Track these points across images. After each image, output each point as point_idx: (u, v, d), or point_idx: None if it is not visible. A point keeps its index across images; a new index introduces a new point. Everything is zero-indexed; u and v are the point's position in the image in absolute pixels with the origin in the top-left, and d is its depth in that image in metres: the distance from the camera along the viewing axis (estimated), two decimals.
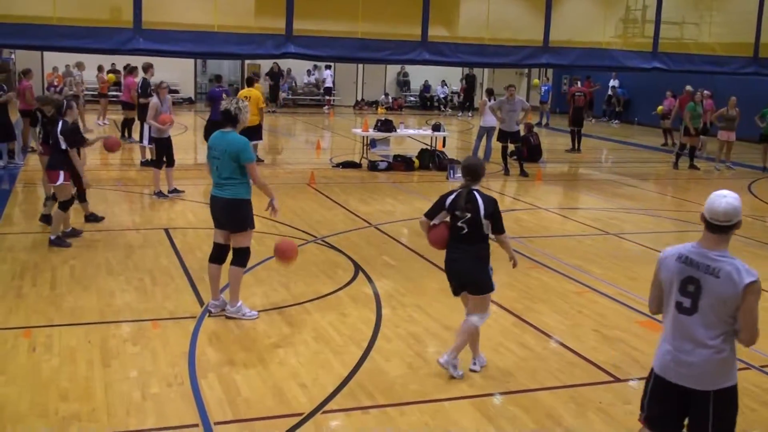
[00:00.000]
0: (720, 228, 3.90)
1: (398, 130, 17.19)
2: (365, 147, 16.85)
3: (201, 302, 7.27)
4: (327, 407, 5.26)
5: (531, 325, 7.12)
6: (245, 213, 6.79)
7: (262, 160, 16.31)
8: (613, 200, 13.91)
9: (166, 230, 10.04)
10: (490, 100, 17.34)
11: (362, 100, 32.12)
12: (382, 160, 16.22)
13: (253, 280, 7.86)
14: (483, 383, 5.77)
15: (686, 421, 4.01)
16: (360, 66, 31.60)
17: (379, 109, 30.37)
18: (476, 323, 5.89)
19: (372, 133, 16.78)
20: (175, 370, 5.74)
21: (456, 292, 6.02)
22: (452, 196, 5.79)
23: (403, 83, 33.57)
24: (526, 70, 33.05)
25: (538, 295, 8.01)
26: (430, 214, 5.89)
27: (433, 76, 32.23)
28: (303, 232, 10.19)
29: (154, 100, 12.25)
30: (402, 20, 14.95)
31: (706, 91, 19.33)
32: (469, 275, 5.83)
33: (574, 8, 16.49)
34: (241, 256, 6.87)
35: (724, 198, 3.95)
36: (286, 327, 6.77)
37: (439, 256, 9.27)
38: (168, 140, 12.19)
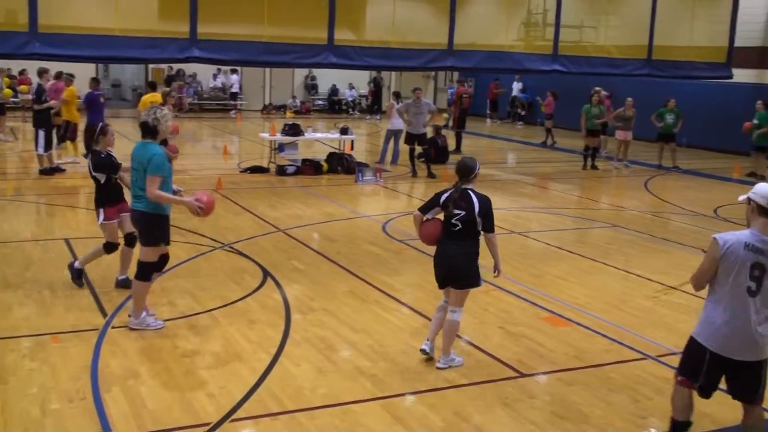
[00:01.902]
0: None
1: (306, 134, 17.12)
2: (273, 151, 16.73)
3: (104, 314, 7.08)
4: (235, 416, 5.21)
5: None
6: (154, 227, 6.60)
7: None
8: (518, 200, 14.24)
9: (67, 240, 9.73)
10: (397, 103, 17.49)
11: (270, 104, 31.85)
12: (290, 165, 16.15)
13: (158, 289, 7.69)
14: (392, 384, 5.82)
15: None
16: (267, 70, 31.32)
17: (287, 113, 30.21)
18: (457, 319, 6.14)
19: (280, 137, 16.69)
20: (77, 385, 5.57)
21: (442, 285, 6.20)
22: (447, 194, 6.01)
23: (311, 87, 33.47)
24: (433, 73, 33.45)
25: None
26: (425, 210, 6.10)
27: (341, 79, 32.25)
28: (210, 238, 10.05)
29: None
30: (308, 23, 14.89)
31: (604, 92, 20.05)
32: (462, 270, 6.03)
33: (477, 12, 16.76)
34: (141, 269, 6.67)
35: None
36: (193, 336, 6.66)
37: (348, 260, 9.32)
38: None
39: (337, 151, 17.04)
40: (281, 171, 15.78)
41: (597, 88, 19.36)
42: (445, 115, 25.42)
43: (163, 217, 6.62)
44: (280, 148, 17.31)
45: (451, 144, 20.06)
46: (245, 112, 30.74)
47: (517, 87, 30.04)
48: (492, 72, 25.23)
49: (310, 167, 16.02)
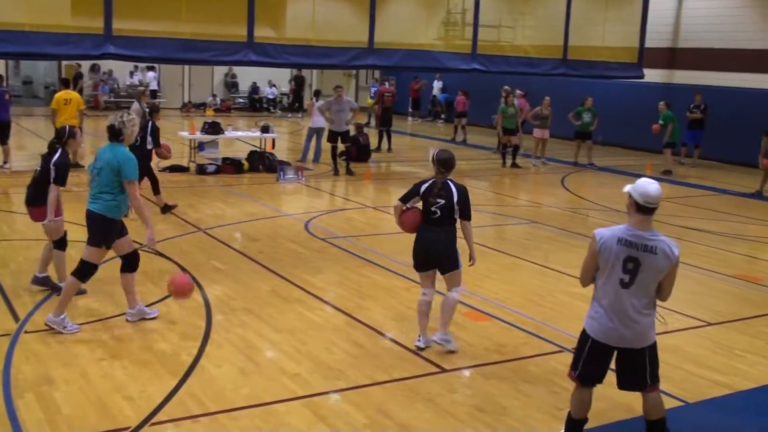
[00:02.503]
0: (651, 210, 4.61)
1: (226, 133, 16.93)
2: (193, 150, 16.48)
3: (16, 318, 6.86)
4: (155, 419, 5.12)
5: (362, 322, 7.24)
6: (102, 229, 6.58)
7: (83, 166, 15.55)
8: None
9: None
10: (318, 101, 17.47)
11: (189, 102, 31.31)
12: (210, 164, 15.93)
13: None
14: (314, 383, 5.82)
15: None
16: (186, 67, 30.79)
17: (207, 111, 29.75)
18: (457, 298, 6.56)
19: (199, 135, 16.45)
20: None
21: (422, 269, 6.55)
22: (427, 184, 6.39)
23: (232, 85, 33.06)
24: (354, 72, 33.48)
25: (369, 293, 8.16)
26: (405, 199, 6.47)
27: (262, 77, 31.97)
28: None
29: None
30: (227, 20, 14.69)
31: (519, 91, 20.45)
32: (445, 254, 6.41)
33: (397, 10, 16.83)
34: (82, 268, 6.64)
35: (653, 184, 4.62)
36: (110, 339, 6.52)
37: (270, 259, 9.26)
38: None
39: (258, 149, 16.90)
40: (201, 170, 15.56)
41: (506, 88, 19.82)
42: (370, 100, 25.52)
43: (116, 221, 6.66)
44: (200, 146, 17.06)
45: (374, 142, 20.14)
46: (164, 111, 29.88)
47: (437, 86, 30.32)
48: (412, 70, 25.41)
49: (230, 166, 15.84)
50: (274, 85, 32.74)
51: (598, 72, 19.19)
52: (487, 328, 7.27)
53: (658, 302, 4.78)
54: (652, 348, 4.78)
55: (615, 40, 19.08)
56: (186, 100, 31.59)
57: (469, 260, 6.57)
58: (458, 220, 6.42)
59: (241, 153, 17.10)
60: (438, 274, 6.59)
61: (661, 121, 18.37)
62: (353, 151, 17.38)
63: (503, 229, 12.11)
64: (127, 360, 6.07)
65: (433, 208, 6.32)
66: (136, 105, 12.06)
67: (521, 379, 6.11)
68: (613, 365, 4.88)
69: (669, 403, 5.17)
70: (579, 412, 4.93)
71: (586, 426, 5.01)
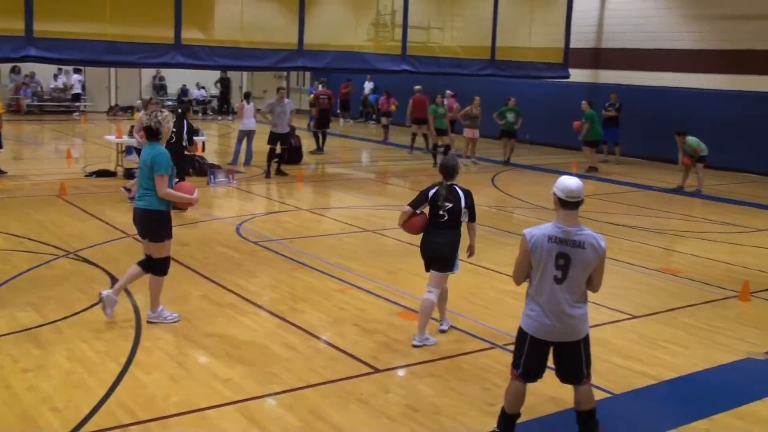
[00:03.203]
0: (575, 204, 4.75)
1: None
2: (120, 154, 16.16)
3: None
4: (84, 429, 5.00)
5: (295, 325, 7.22)
6: (160, 224, 6.84)
7: (5, 172, 15.12)
8: (373, 198, 14.44)
9: None
10: (247, 104, 17.34)
11: (116, 105, 30.65)
12: (138, 167, 15.60)
13: None
14: (247, 387, 5.78)
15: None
16: (112, 70, 30.14)
17: (134, 114, 29.15)
18: (432, 299, 6.76)
19: (126, 139, 16.13)
20: None
21: (428, 269, 6.91)
22: (434, 190, 6.70)
23: (160, 87, 32.50)
24: (284, 73, 33.30)
25: (302, 295, 8.14)
26: (415, 205, 6.78)
27: (191, 79, 31.52)
28: (53, 246, 9.59)
29: None
30: (154, 22, 14.45)
31: (448, 91, 20.69)
32: (445, 255, 6.72)
33: (326, 12, 16.83)
34: (160, 266, 6.98)
35: (572, 179, 4.77)
36: (35, 349, 6.35)
37: (201, 263, 9.15)
38: None
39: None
40: (129, 174, 15.23)
41: (417, 87, 20.09)
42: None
43: (167, 212, 6.89)
44: (128, 150, 16.73)
45: (309, 144, 20.10)
46: (90, 114, 29.46)
47: (368, 87, 30.39)
48: (343, 72, 25.42)
49: None
50: (204, 88, 32.33)
51: (526, 72, 19.53)
52: None
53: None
54: (586, 340, 4.93)
55: (541, 41, 19.48)
56: (113, 103, 30.92)
57: (468, 251, 6.95)
58: (464, 222, 6.77)
59: None
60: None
61: (584, 119, 18.80)
62: (286, 154, 17.29)
63: None
64: (54, 370, 5.92)
65: (441, 212, 6.66)
66: (143, 113, 13.19)
67: (454, 377, 6.18)
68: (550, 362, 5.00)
69: (596, 395, 5.29)
70: (514, 407, 5.02)
71: (518, 420, 5.10)
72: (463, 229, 6.82)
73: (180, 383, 5.80)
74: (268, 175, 16.03)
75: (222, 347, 6.56)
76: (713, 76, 20.05)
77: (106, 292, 7.07)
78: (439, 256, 6.74)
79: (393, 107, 24.36)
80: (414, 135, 21.42)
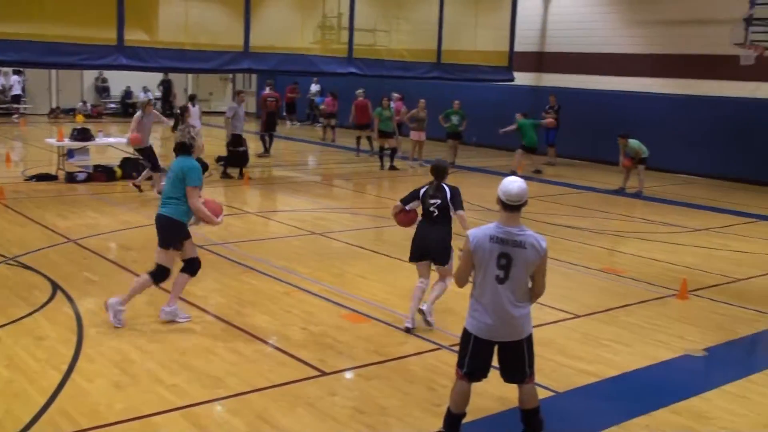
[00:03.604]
0: (515, 207, 4.83)
1: (97, 139, 16.38)
2: (62, 158, 15.84)
3: None
4: None
5: (241, 329, 7.18)
6: (173, 232, 7.03)
7: None
8: (319, 201, 14.42)
9: None
10: (193, 106, 17.18)
11: (57, 107, 30.03)
12: (80, 171, 15.35)
13: None
14: (193, 393, 5.73)
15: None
16: (53, 71, 29.54)
17: (77, 117, 28.59)
18: (448, 285, 7.30)
19: (68, 142, 15.83)
20: None
21: (418, 259, 7.41)
22: (425, 188, 7.32)
23: (103, 89, 31.94)
24: (230, 76, 33.04)
25: (248, 299, 8.09)
26: (406, 201, 7.45)
27: (136, 81, 31.04)
28: None
29: None
30: (96, 23, 14.17)
31: (395, 94, 20.78)
32: (440, 247, 7.26)
33: (272, 14, 16.72)
34: (191, 266, 7.26)
35: (515, 182, 4.84)
36: None
37: (146, 269, 9.00)
38: None
39: (131, 156, 16.42)
40: (71, 178, 14.99)
41: (359, 91, 20.17)
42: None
43: (183, 225, 7.09)
44: (70, 154, 16.43)
45: (255, 147, 19.97)
46: (30, 117, 28.79)
47: (315, 89, 30.31)
48: (289, 74, 25.32)
49: (102, 174, 15.33)
50: (149, 90, 31.86)
51: (471, 75, 19.71)
52: (366, 329, 7.35)
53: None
54: (529, 339, 5.01)
55: (486, 45, 19.67)
56: (54, 105, 30.29)
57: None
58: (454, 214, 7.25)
59: (113, 160, 16.57)
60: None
61: (513, 126, 18.97)
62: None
63: (382, 230, 12.25)
64: None
65: (431, 208, 7.25)
66: (139, 113, 13.94)
67: (401, 378, 6.21)
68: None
69: (540, 393, 5.37)
70: (459, 406, 5.08)
71: (464, 420, 5.16)
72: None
73: (124, 390, 5.73)
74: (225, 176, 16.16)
75: (167, 353, 6.49)
76: (651, 79, 20.53)
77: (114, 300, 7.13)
78: (433, 248, 7.28)
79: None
80: (359, 138, 21.47)
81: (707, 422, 5.68)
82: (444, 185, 7.29)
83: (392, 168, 18.95)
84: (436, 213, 7.24)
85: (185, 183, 6.91)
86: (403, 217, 7.62)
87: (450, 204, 7.20)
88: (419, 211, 7.50)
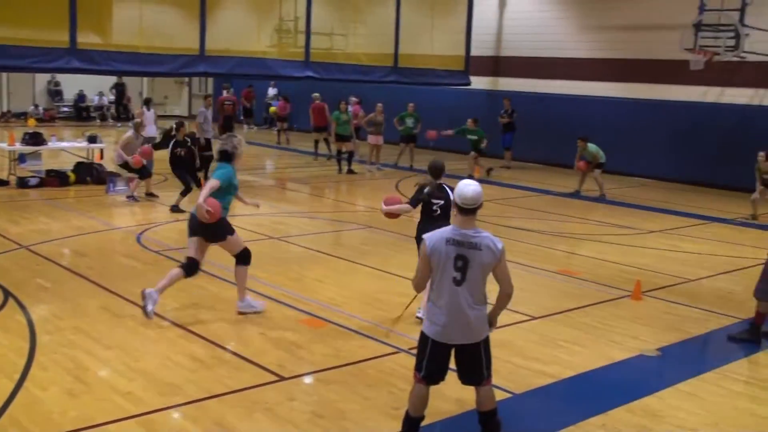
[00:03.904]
0: (470, 210, 4.89)
1: (50, 143, 16.11)
2: (13, 163, 15.54)
3: None
4: None
5: (198, 335, 7.11)
6: (218, 227, 7.44)
7: None
8: (277, 205, 14.35)
9: None
10: (148, 110, 16.99)
11: (8, 111, 29.46)
12: (32, 176, 15.08)
13: None
14: (149, 400, 5.66)
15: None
16: (4, 74, 28.96)
17: (28, 120, 28.09)
18: None
19: (19, 147, 15.54)
20: None
21: None
22: (428, 188, 7.54)
23: (55, 93, 31.42)
24: (186, 79, 32.74)
25: (205, 305, 8.03)
26: (414, 203, 7.61)
27: (89, 85, 30.57)
28: None
29: None
30: (47, 25, 13.93)
31: (353, 98, 20.80)
32: None
33: (228, 17, 16.62)
34: (242, 258, 7.69)
35: (470, 186, 4.91)
36: None
37: (100, 274, 8.89)
38: None
39: (85, 160, 16.18)
40: (22, 183, 14.71)
41: (316, 95, 20.24)
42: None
43: (224, 219, 7.55)
44: (21, 158, 16.13)
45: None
46: None
47: (272, 92, 30.18)
48: (246, 78, 25.24)
49: (55, 179, 15.08)
50: (103, 94, 31.42)
51: (428, 79, 19.83)
52: (325, 333, 7.34)
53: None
54: (486, 341, 5.04)
55: (443, 49, 19.80)
56: (5, 109, 29.71)
57: None
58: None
59: (67, 165, 16.30)
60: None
61: (450, 131, 18.98)
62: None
63: (340, 234, 12.26)
64: None
65: (434, 207, 7.52)
66: (131, 133, 14.24)
67: (359, 382, 6.21)
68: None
69: (498, 395, 5.42)
70: (418, 409, 5.09)
71: (423, 423, 5.18)
72: None
73: (78, 398, 5.63)
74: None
75: (122, 360, 6.41)
76: (605, 83, 20.85)
77: (148, 290, 7.31)
78: None
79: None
80: (317, 141, 21.45)
81: (661, 420, 5.78)
82: (444, 185, 7.58)
83: (350, 172, 18.94)
84: (439, 212, 7.54)
85: (214, 177, 7.38)
86: (393, 216, 7.91)
87: (452, 204, 7.41)
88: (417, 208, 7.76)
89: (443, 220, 7.39)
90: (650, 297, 9.14)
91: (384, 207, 7.72)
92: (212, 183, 7.33)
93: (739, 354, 7.42)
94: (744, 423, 5.85)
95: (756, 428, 5.77)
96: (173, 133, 14.02)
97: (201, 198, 7.17)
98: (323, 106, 20.64)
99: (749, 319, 7.88)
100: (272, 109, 24.25)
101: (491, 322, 5.10)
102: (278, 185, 17.07)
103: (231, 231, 7.64)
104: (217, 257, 9.98)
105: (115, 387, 5.86)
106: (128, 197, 13.94)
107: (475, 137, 18.69)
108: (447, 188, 7.51)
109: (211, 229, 7.43)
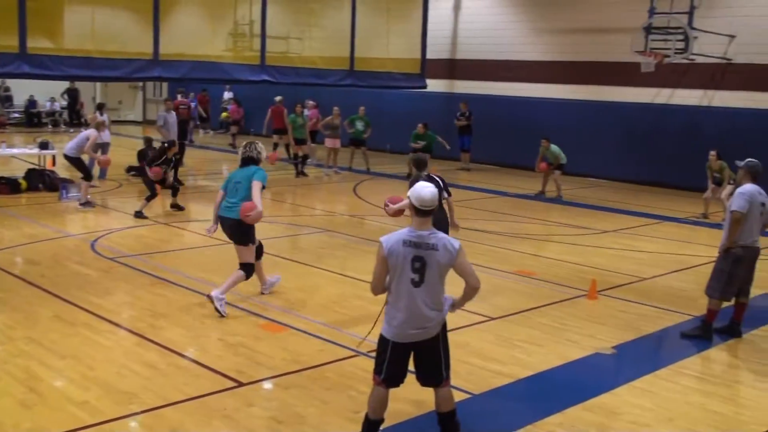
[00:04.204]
0: (427, 212, 4.93)
1: (0, 150, 15.78)
2: None
3: None
4: None
5: (154, 342, 7.03)
6: (248, 231, 8.07)
7: None
8: None
9: None
10: (101, 115, 16.75)
11: None
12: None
13: None
14: (105, 409, 5.57)
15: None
16: None
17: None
18: None
19: None
20: None
21: None
22: (419, 181, 7.66)
23: (5, 99, 30.81)
24: (140, 84, 32.35)
25: (161, 311, 7.93)
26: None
27: (40, 90, 30.01)
28: None
29: None
30: None
31: (310, 102, 20.77)
32: (444, 227, 8.06)
33: (182, 21, 16.45)
34: (244, 267, 8.09)
35: (427, 188, 4.94)
36: None
37: (53, 282, 8.73)
38: None
39: (37, 167, 15.90)
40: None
41: (278, 98, 20.33)
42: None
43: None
44: None
45: None
46: None
47: (227, 96, 29.97)
48: (201, 82, 24.99)
49: (5, 186, 14.78)
50: (55, 99, 30.88)
51: (384, 82, 19.83)
52: (284, 338, 7.31)
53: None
54: (445, 340, 5.08)
55: (399, 52, 19.83)
56: None
57: (452, 227, 8.47)
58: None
59: (18, 171, 15.98)
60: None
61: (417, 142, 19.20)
62: (143, 167, 16.79)
63: (298, 238, 12.22)
64: None
65: None
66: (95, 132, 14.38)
67: (319, 386, 6.20)
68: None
69: (457, 396, 5.45)
70: (377, 412, 5.10)
71: (382, 426, 5.18)
72: None
73: (31, 409, 5.53)
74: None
75: (77, 369, 6.31)
76: (559, 86, 21.12)
77: (216, 292, 7.84)
78: (440, 230, 7.84)
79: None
80: (276, 145, 21.34)
81: (617, 417, 5.87)
82: (432, 175, 8.23)
83: (302, 174, 18.91)
84: (447, 196, 8.34)
85: (252, 181, 7.87)
86: (400, 213, 8.17)
87: (443, 192, 8.04)
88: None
89: (440, 208, 7.97)
90: (605, 296, 9.27)
91: (391, 206, 8.00)
92: (259, 186, 7.91)
93: (691, 350, 7.56)
94: (696, 417, 5.96)
95: (707, 422, 5.89)
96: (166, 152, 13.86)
97: (260, 204, 7.81)
98: (282, 109, 20.58)
99: (701, 316, 8.04)
100: (224, 114, 24.09)
101: (455, 305, 5.18)
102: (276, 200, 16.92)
103: (254, 240, 8.16)
104: (175, 264, 9.90)
105: (69, 397, 5.77)
106: (82, 204, 13.68)
107: (424, 142, 18.77)
108: (436, 177, 8.24)
109: (243, 229, 7.99)
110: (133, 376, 6.22)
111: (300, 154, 19.02)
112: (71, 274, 9.28)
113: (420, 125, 19.19)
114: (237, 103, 24.84)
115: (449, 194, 8.44)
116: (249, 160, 8.13)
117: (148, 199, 13.05)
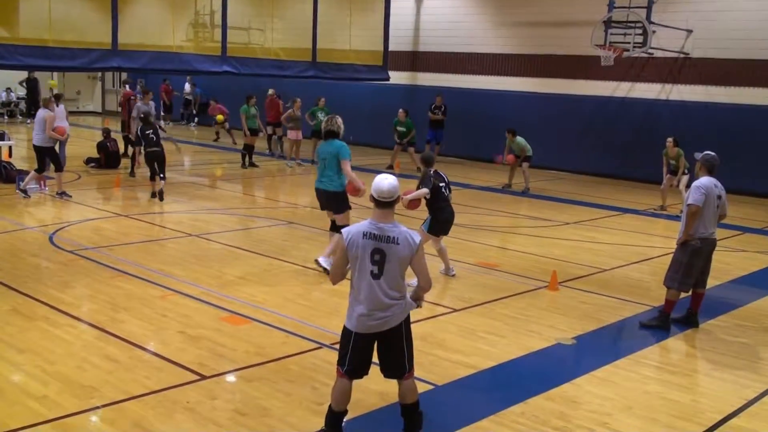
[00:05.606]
0: (386, 204, 4.93)
1: None
2: None
3: None
4: None
5: (115, 335, 6.95)
6: (343, 200, 9.07)
7: None
8: (196, 202, 14.13)
9: None
10: (58, 106, 16.44)
11: None
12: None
13: None
14: (65, 404, 5.50)
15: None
16: None
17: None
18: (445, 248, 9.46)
19: None
20: None
21: (447, 233, 9.46)
22: (433, 175, 9.01)
23: None
24: (100, 74, 31.85)
25: (121, 304, 7.84)
26: (428, 184, 8.92)
27: None
28: None
29: None
30: None
31: (272, 91, 20.70)
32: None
33: (142, 11, 16.26)
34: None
35: (386, 180, 4.93)
36: None
37: (10, 276, 8.60)
38: None
39: None
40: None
41: (271, 91, 20.03)
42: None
43: (344, 193, 9.04)
44: None
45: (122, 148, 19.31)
46: None
47: (188, 88, 29.66)
48: (161, 73, 24.72)
49: None
50: (11, 90, 30.23)
51: (347, 74, 19.81)
52: (246, 331, 7.28)
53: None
54: (408, 331, 5.09)
55: (361, 44, 19.82)
56: None
57: None
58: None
59: None
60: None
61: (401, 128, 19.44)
62: (102, 159, 16.63)
63: (260, 231, 12.15)
64: None
65: (443, 190, 9.07)
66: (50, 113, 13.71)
67: (282, 378, 6.19)
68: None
69: (420, 387, 5.47)
70: (341, 404, 5.10)
71: (346, 418, 5.19)
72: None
73: None
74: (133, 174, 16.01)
75: (35, 363, 6.21)
76: (520, 79, 21.29)
77: (322, 258, 8.99)
78: (453, 221, 9.41)
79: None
80: (270, 137, 21.31)
81: (578, 407, 5.95)
82: (439, 172, 9.12)
83: (252, 165, 18.86)
84: (448, 192, 9.15)
85: (339, 158, 8.77)
86: (416, 203, 8.97)
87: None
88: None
89: (448, 204, 9.15)
90: (566, 287, 9.38)
91: (404, 197, 8.61)
92: (347, 164, 8.82)
93: (650, 340, 7.69)
94: (654, 406, 6.07)
95: (666, 411, 5.99)
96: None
97: (357, 180, 8.81)
98: (278, 102, 20.51)
99: (659, 307, 8.18)
100: (220, 117, 23.47)
101: (416, 297, 5.17)
102: (200, 183, 16.78)
103: (349, 206, 9.19)
104: (136, 257, 9.79)
105: (28, 391, 5.68)
106: (20, 190, 13.61)
107: (403, 129, 19.02)
108: (441, 173, 9.13)
109: (339, 200, 9.03)
110: (94, 369, 6.15)
111: (251, 144, 19.01)
112: (29, 267, 9.13)
113: (401, 111, 19.36)
114: (215, 102, 24.34)
115: (450, 191, 9.24)
116: (330, 134, 8.94)
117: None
